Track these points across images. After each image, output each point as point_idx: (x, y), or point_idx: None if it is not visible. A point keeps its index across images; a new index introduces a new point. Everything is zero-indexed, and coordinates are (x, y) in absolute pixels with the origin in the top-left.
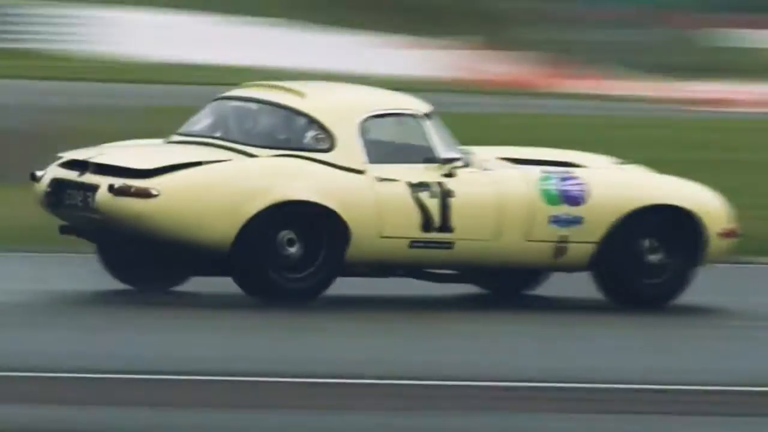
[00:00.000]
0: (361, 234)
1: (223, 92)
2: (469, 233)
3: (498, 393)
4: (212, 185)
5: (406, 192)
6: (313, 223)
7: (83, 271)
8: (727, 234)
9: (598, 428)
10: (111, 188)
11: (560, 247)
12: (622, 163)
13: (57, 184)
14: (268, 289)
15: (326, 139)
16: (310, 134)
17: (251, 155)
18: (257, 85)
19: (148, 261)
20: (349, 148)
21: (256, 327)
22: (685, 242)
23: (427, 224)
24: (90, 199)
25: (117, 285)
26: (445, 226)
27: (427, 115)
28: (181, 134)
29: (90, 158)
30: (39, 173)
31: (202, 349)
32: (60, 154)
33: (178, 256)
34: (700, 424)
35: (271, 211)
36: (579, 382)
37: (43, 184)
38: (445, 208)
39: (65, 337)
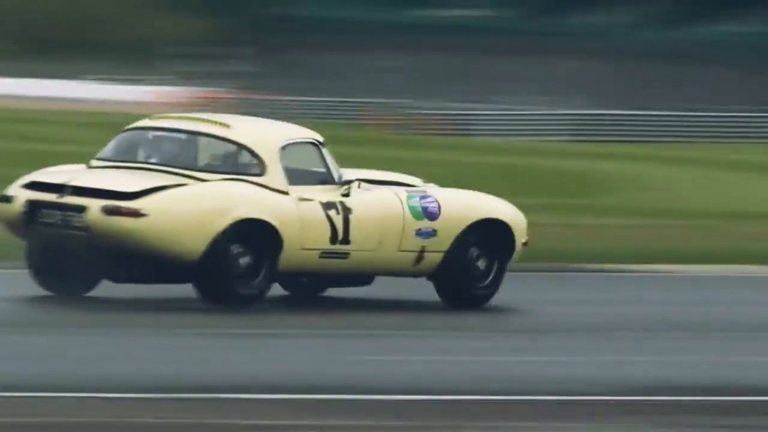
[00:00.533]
0: (289, 247)
1: (140, 122)
2: (361, 245)
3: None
4: (188, 206)
5: (320, 210)
6: (258, 239)
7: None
8: (525, 243)
9: None
10: (104, 209)
11: (420, 255)
12: (425, 182)
13: (32, 204)
14: (227, 295)
15: (258, 165)
16: (244, 161)
17: (200, 179)
18: (174, 117)
19: (82, 272)
20: (276, 173)
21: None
22: (501, 251)
23: (334, 237)
24: (73, 219)
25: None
26: (345, 239)
27: (322, 143)
28: (106, 159)
29: (67, 181)
30: (7, 194)
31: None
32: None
33: (147, 267)
34: None
35: (232, 227)
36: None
37: (17, 205)
38: (346, 223)
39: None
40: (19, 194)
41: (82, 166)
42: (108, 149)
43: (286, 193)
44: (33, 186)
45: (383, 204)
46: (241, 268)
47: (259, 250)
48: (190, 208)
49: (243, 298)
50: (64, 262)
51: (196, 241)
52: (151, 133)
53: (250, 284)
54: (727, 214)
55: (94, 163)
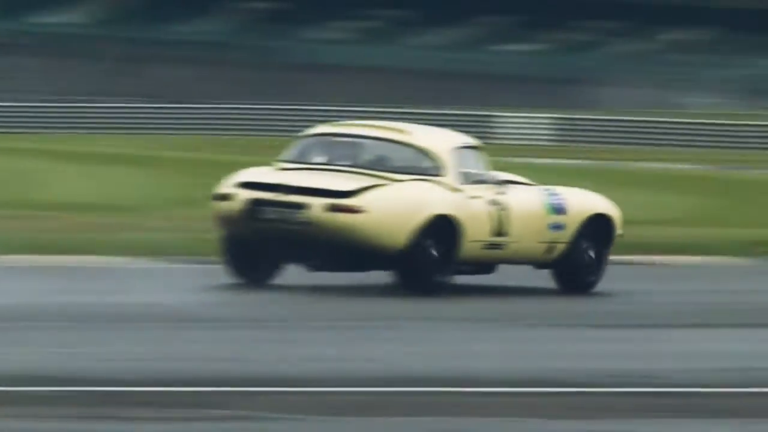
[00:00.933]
0: (465, 240)
1: (318, 129)
2: (513, 237)
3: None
4: (396, 203)
5: (485, 206)
6: (444, 232)
7: None
8: (621, 235)
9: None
10: (327, 206)
11: (551, 246)
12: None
13: (253, 202)
14: (424, 282)
15: (438, 167)
16: (426, 163)
17: (392, 180)
18: (352, 124)
19: (294, 262)
20: (452, 173)
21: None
22: (604, 242)
23: (494, 231)
24: (294, 215)
25: None
26: (503, 232)
27: (478, 147)
28: (293, 162)
29: (284, 182)
30: (226, 192)
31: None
32: (236, 179)
33: (355, 257)
34: None
35: (427, 222)
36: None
37: (237, 202)
38: (504, 218)
39: None
40: (238, 193)
41: (269, 168)
42: (292, 153)
43: (460, 191)
44: (248, 186)
45: (529, 201)
46: (433, 258)
47: (446, 242)
48: (397, 205)
49: (436, 285)
50: (278, 253)
51: (401, 234)
52: (334, 139)
53: (441, 273)
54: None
55: (280, 165)
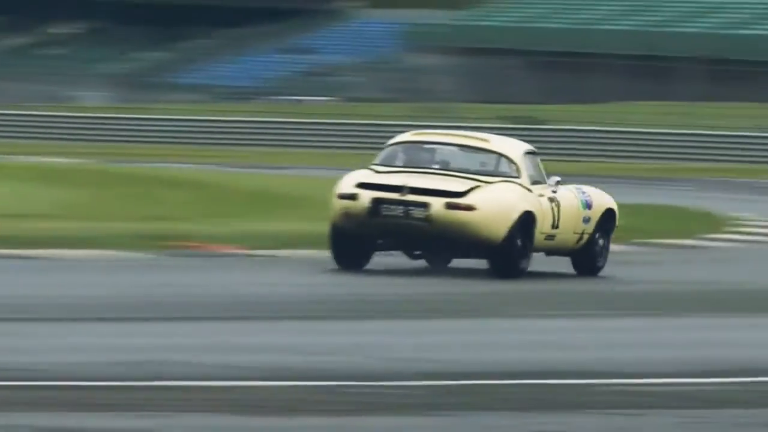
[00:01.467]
0: (537, 232)
1: (404, 137)
2: (562, 229)
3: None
4: (499, 202)
5: (547, 203)
6: (527, 226)
7: None
8: (617, 226)
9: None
10: (446, 204)
11: (581, 237)
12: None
13: (376, 201)
14: (514, 270)
15: (515, 170)
16: (505, 167)
17: (483, 181)
18: (439, 133)
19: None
20: (525, 175)
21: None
22: (609, 232)
23: (552, 224)
24: (415, 212)
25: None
26: (557, 225)
27: (536, 152)
28: (388, 165)
29: (404, 183)
30: (348, 191)
31: None
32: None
33: (462, 248)
34: None
35: (519, 217)
36: None
37: (363, 202)
38: (558, 213)
39: None
40: (360, 193)
41: (369, 171)
42: (385, 158)
43: (531, 191)
44: (370, 186)
45: (571, 198)
46: (519, 248)
47: (528, 235)
48: (500, 204)
49: (522, 271)
50: (397, 244)
51: (502, 227)
52: (425, 146)
53: (525, 261)
54: None
55: (377, 168)
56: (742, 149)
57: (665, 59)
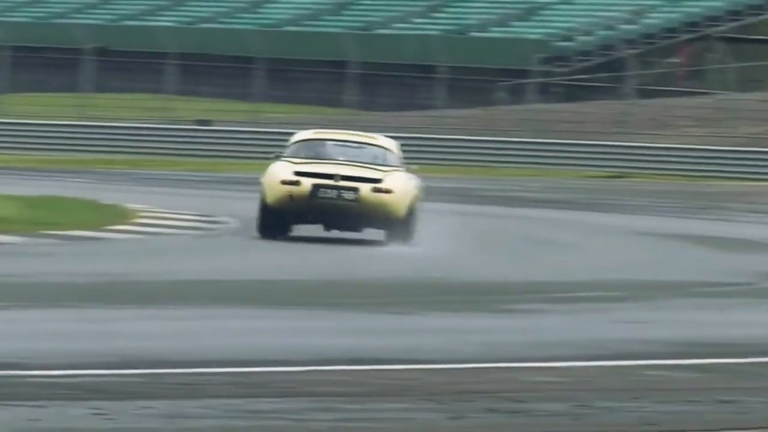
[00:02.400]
0: None
1: (308, 136)
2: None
3: None
4: (404, 185)
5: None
6: (415, 204)
7: None
8: None
9: None
10: (372, 188)
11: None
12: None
13: (315, 186)
14: (412, 237)
15: (400, 161)
16: (393, 159)
17: (383, 171)
18: (338, 132)
19: (340, 227)
20: (402, 165)
21: None
22: None
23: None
24: (347, 195)
25: None
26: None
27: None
28: (301, 158)
29: (335, 172)
30: (290, 179)
31: None
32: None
33: (375, 222)
34: None
35: (414, 197)
36: None
37: (306, 187)
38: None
39: None
40: (302, 180)
41: (289, 163)
42: (297, 152)
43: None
44: (308, 174)
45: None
46: (413, 222)
47: (414, 211)
48: (404, 187)
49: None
50: (329, 219)
51: (405, 206)
52: (328, 143)
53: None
54: None
55: (293, 160)
56: (128, 139)
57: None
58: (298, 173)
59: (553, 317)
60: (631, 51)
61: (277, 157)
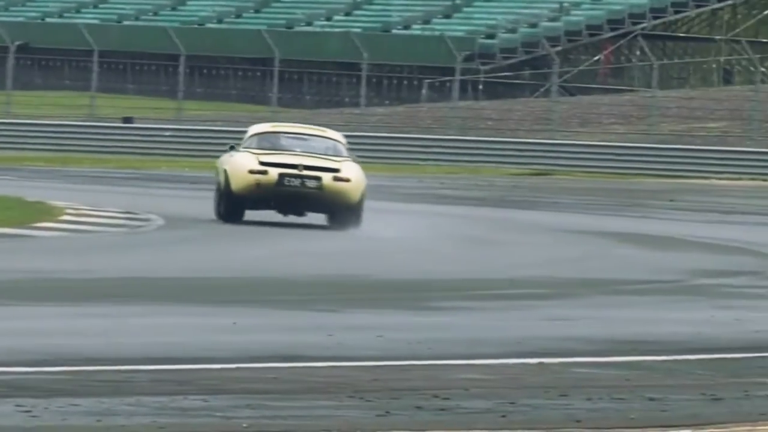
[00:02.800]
0: None
1: (265, 129)
2: None
3: None
4: (358, 174)
5: None
6: (364, 192)
7: None
8: None
9: None
10: (333, 177)
11: None
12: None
13: (281, 175)
14: (360, 223)
15: (346, 152)
16: (341, 150)
17: (335, 160)
18: (294, 125)
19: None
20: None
21: None
22: None
23: None
24: (310, 183)
25: None
26: None
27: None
28: (266, 149)
29: (299, 162)
30: (257, 168)
31: None
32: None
33: (333, 207)
34: None
35: (365, 186)
36: None
37: (273, 176)
38: None
39: None
40: (269, 169)
41: (251, 154)
42: (257, 144)
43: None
44: (273, 165)
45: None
46: (363, 208)
47: (363, 199)
48: (358, 176)
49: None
50: (292, 205)
51: (359, 193)
52: (283, 135)
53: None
54: None
55: (254, 151)
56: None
57: None
58: (263, 163)
59: (478, 314)
60: (555, 48)
61: (232, 148)
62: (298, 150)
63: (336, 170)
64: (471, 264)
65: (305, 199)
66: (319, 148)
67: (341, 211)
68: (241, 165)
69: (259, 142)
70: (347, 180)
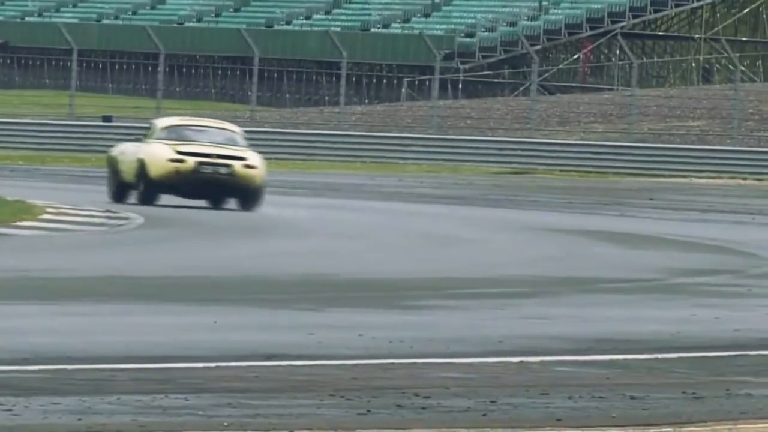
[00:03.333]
0: None
1: (173, 122)
2: None
3: None
4: (260, 162)
5: None
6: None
7: None
8: None
9: None
10: (243, 165)
11: None
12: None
13: (198, 163)
14: (260, 205)
15: (245, 142)
16: (240, 140)
17: (237, 149)
18: (198, 119)
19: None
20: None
21: None
22: None
23: None
24: (222, 170)
25: None
26: None
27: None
28: (177, 140)
29: (211, 152)
30: (176, 157)
31: None
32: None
33: (249, 192)
34: None
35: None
36: None
37: (190, 164)
38: None
39: None
40: (186, 158)
41: (166, 146)
42: (169, 135)
43: None
44: (190, 154)
45: None
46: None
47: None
48: (261, 164)
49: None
50: (209, 190)
51: (262, 178)
52: (190, 127)
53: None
54: None
55: (167, 142)
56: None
57: None
58: (181, 152)
59: (458, 313)
60: (534, 47)
61: (139, 140)
62: (205, 141)
63: (244, 158)
64: (451, 263)
65: (219, 184)
66: (222, 138)
67: (249, 194)
68: (159, 154)
69: (168, 134)
70: (254, 167)
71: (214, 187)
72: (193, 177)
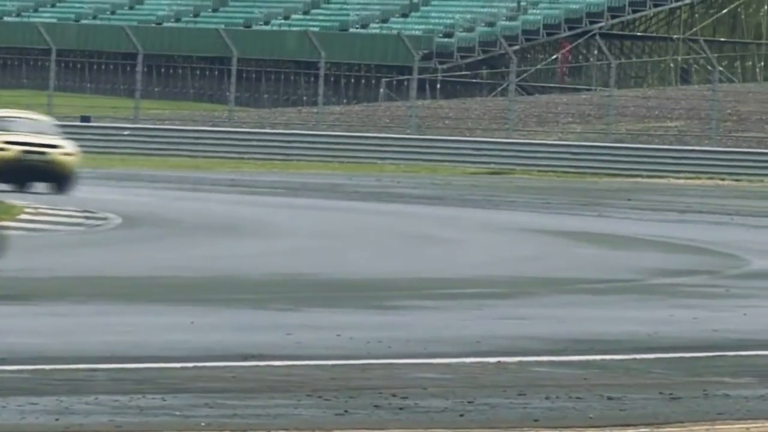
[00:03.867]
0: None
1: None
2: None
3: None
4: (75, 149)
5: None
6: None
7: None
8: None
9: None
10: (61, 153)
11: None
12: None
13: (22, 151)
14: (72, 190)
15: (58, 132)
16: (54, 130)
17: (54, 137)
18: (18, 111)
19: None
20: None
21: None
22: None
23: None
24: (43, 157)
25: None
26: None
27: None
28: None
29: (32, 141)
30: (3, 146)
31: None
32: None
33: (67, 179)
34: None
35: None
36: None
37: (14, 152)
38: None
39: None
40: (10, 147)
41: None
42: None
43: None
44: (13, 143)
45: None
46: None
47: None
48: (76, 151)
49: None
50: (31, 176)
51: (75, 166)
52: (12, 119)
53: None
54: None
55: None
56: None
57: None
58: (6, 142)
59: (435, 314)
60: (513, 47)
61: None
62: (26, 130)
63: (62, 147)
64: (429, 263)
65: (41, 170)
66: (40, 129)
67: (64, 179)
68: None
69: None
70: (71, 154)
71: (38, 173)
72: (18, 164)
